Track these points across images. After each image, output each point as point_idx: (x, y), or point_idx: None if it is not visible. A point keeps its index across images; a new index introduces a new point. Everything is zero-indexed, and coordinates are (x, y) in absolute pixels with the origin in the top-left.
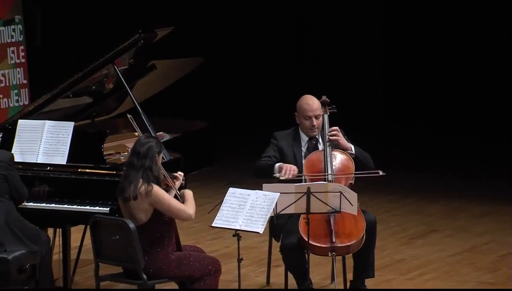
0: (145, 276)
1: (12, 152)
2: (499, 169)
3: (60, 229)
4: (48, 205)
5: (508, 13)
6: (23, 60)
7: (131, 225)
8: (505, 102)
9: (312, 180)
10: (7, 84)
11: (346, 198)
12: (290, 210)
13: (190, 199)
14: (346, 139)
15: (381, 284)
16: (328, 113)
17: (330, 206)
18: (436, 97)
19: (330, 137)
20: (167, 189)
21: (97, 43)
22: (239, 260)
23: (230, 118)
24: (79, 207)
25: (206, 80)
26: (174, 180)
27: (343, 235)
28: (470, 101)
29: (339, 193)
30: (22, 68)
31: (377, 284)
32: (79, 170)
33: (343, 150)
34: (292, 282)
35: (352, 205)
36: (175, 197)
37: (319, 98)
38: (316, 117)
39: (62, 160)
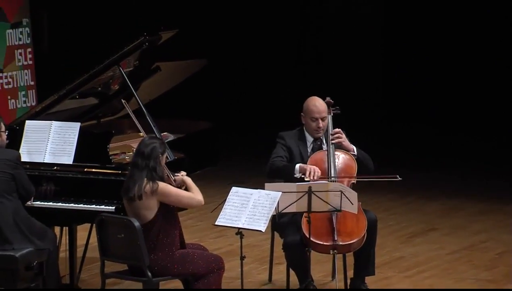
0: (149, 274)
1: (20, 151)
2: (497, 169)
3: (67, 228)
4: (55, 203)
5: (508, 13)
6: (30, 62)
7: (136, 224)
8: (504, 102)
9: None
10: (15, 86)
11: (346, 197)
12: (292, 209)
13: (192, 185)
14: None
15: (380, 281)
16: (331, 114)
17: (331, 205)
18: (436, 97)
19: (333, 141)
20: None
21: (103, 46)
22: (242, 258)
23: (231, 119)
24: (85, 205)
25: (208, 81)
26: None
27: (345, 234)
28: (470, 101)
29: (339, 192)
30: (29, 70)
31: (377, 281)
32: (85, 170)
33: (346, 151)
34: (294, 279)
35: (352, 204)
36: None
37: (323, 99)
38: (322, 119)
39: (68, 159)
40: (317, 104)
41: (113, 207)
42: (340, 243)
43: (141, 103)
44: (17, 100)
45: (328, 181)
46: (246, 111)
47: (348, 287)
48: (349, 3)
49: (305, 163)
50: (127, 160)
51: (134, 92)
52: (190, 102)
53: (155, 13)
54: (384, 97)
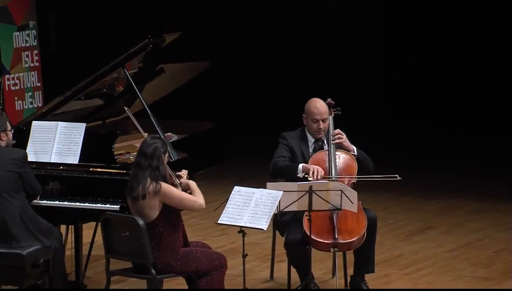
0: (154, 271)
1: (27, 151)
2: (493, 168)
3: (72, 226)
4: (61, 202)
5: (508, 13)
6: (37, 64)
7: (141, 222)
8: (503, 102)
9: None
10: (22, 87)
11: (346, 196)
12: (293, 208)
13: (196, 189)
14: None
15: (380, 278)
16: (333, 115)
17: (331, 204)
18: (436, 97)
19: (334, 142)
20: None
21: (108, 48)
22: (244, 256)
23: (232, 119)
24: (90, 204)
25: (208, 81)
26: (179, 179)
27: (346, 232)
28: (469, 101)
29: (340, 191)
30: (36, 72)
31: (376, 279)
32: (90, 169)
33: (346, 151)
34: (295, 277)
35: (352, 202)
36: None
37: (324, 100)
38: (323, 120)
39: (74, 159)
40: (318, 106)
41: (118, 206)
42: (341, 241)
43: (145, 104)
44: (24, 101)
45: (329, 180)
46: (246, 111)
47: (348, 284)
48: (349, 3)
49: (306, 162)
50: (132, 159)
51: (139, 94)
52: (192, 103)
53: (159, 15)
54: (384, 97)
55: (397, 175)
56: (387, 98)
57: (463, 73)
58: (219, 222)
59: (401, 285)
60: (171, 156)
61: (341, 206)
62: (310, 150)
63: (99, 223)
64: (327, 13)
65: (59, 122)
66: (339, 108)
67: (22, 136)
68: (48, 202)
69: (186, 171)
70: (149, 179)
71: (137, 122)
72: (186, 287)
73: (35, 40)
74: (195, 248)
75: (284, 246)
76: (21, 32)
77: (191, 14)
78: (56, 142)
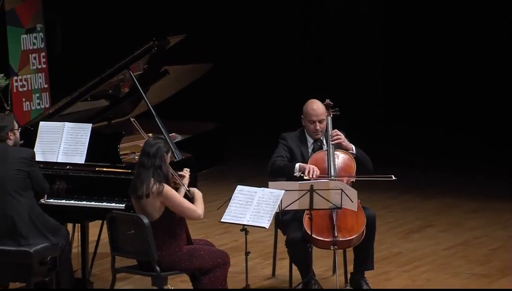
0: (158, 268)
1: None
2: (491, 168)
3: (79, 224)
4: (67, 201)
5: (508, 13)
6: (44, 66)
7: (146, 221)
8: (503, 103)
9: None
10: (29, 89)
11: (346, 195)
12: (294, 206)
13: (199, 199)
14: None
15: (379, 275)
16: (331, 115)
17: (331, 203)
18: (435, 97)
19: (332, 143)
20: (176, 186)
21: (114, 50)
22: (247, 253)
23: (233, 119)
24: (96, 203)
25: (209, 82)
26: (181, 178)
27: (345, 230)
28: (469, 101)
29: (340, 190)
30: (43, 74)
31: (376, 276)
32: (96, 169)
33: (345, 150)
34: (296, 274)
35: (352, 201)
36: (185, 193)
37: (323, 101)
38: (320, 121)
39: (80, 159)
40: (315, 107)
41: (123, 205)
42: (340, 239)
43: (150, 105)
44: (31, 103)
45: (329, 179)
46: (246, 111)
47: (349, 281)
48: (349, 3)
49: (306, 162)
50: (137, 159)
51: (144, 95)
52: (193, 104)
53: (164, 18)
54: (384, 97)
55: (392, 175)
56: (387, 98)
57: (463, 73)
58: (222, 220)
59: (400, 282)
60: (175, 156)
61: (341, 204)
62: (309, 150)
63: (105, 221)
64: (327, 13)
65: (66, 123)
66: (337, 109)
67: (29, 137)
68: (55, 200)
69: (188, 169)
70: (152, 179)
71: (144, 132)
72: (190, 283)
73: (42, 43)
74: (198, 245)
75: (285, 245)
76: (28, 35)
77: (190, 14)
78: (63, 142)
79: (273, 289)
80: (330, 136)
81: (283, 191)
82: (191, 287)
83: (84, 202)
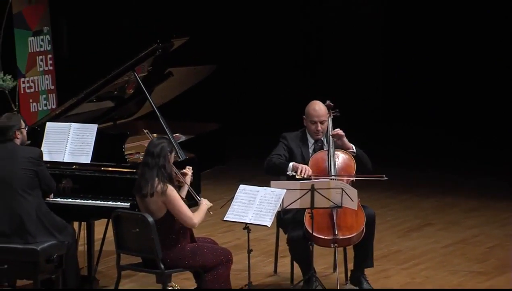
0: (162, 266)
1: None
2: (489, 168)
3: (85, 223)
4: (73, 200)
5: (508, 13)
6: (50, 68)
7: (150, 219)
8: (502, 103)
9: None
10: (36, 90)
11: (347, 194)
12: (296, 205)
13: (202, 210)
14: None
15: (379, 273)
16: (332, 116)
17: (332, 202)
18: (435, 97)
19: (333, 137)
20: (179, 185)
21: (119, 52)
22: (249, 251)
23: (234, 120)
24: (102, 202)
25: (210, 83)
26: (184, 176)
27: (345, 228)
28: (468, 101)
29: (340, 190)
30: (50, 75)
31: (375, 273)
32: (102, 168)
33: (345, 149)
34: (298, 271)
35: (352, 200)
36: (188, 192)
37: (323, 102)
38: (321, 122)
39: (86, 159)
40: (317, 108)
41: (128, 204)
42: (340, 237)
43: (154, 106)
44: (38, 104)
45: (329, 179)
46: (246, 112)
47: (349, 278)
48: (349, 3)
49: (306, 162)
50: (141, 159)
51: (148, 96)
52: (193, 104)
53: (168, 20)
54: (384, 97)
55: (383, 175)
56: (387, 98)
57: (463, 74)
58: (225, 219)
59: (399, 279)
60: (179, 156)
61: (342, 203)
62: (310, 150)
63: (110, 220)
64: (327, 13)
65: (72, 123)
66: (337, 110)
67: (36, 137)
68: (62, 199)
69: (190, 167)
70: (157, 178)
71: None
72: (193, 280)
73: (49, 45)
74: (202, 243)
75: (286, 243)
76: (35, 37)
77: (190, 14)
78: (69, 142)
79: (275, 286)
80: (330, 137)
81: (285, 190)
82: (194, 284)
83: (90, 201)
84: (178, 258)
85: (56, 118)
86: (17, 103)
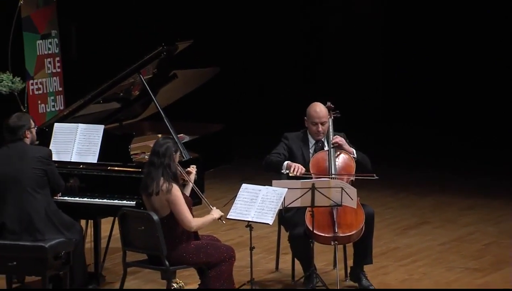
0: (167, 263)
1: None
2: (485, 167)
3: (92, 221)
4: (81, 199)
5: (508, 13)
6: (58, 70)
7: (155, 217)
8: (501, 103)
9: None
10: (45, 91)
11: (347, 193)
12: (297, 204)
13: (207, 218)
14: (348, 144)
15: (377, 269)
16: (332, 117)
17: (332, 200)
18: (435, 97)
19: (334, 144)
20: (184, 183)
21: (125, 55)
22: (251, 248)
23: (236, 120)
24: (108, 201)
25: (210, 83)
26: (188, 174)
27: (345, 226)
28: (468, 101)
29: (340, 189)
30: (57, 77)
31: (374, 270)
32: (108, 168)
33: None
34: (299, 268)
35: (352, 199)
36: (192, 190)
37: (324, 103)
38: (322, 123)
39: (93, 159)
40: (318, 110)
41: (134, 202)
42: (340, 235)
43: (159, 108)
44: (46, 105)
45: (330, 178)
46: (246, 112)
47: (349, 275)
48: (349, 3)
49: (307, 163)
50: (147, 159)
51: (153, 98)
52: (193, 104)
53: (173, 23)
54: (384, 97)
55: (374, 174)
56: (387, 98)
57: (463, 74)
58: (228, 217)
59: (398, 275)
60: (183, 156)
61: (341, 202)
62: (311, 151)
63: (117, 218)
64: (327, 13)
65: (79, 124)
66: (338, 111)
67: (45, 137)
68: (69, 198)
69: (195, 166)
70: (162, 177)
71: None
72: (197, 276)
73: (57, 48)
74: (205, 241)
75: (288, 240)
76: (44, 40)
77: (191, 15)
78: (77, 143)
79: (276, 282)
80: (331, 139)
81: (286, 189)
82: (198, 279)
83: (97, 200)
84: (183, 255)
85: (63, 119)
86: (26, 105)
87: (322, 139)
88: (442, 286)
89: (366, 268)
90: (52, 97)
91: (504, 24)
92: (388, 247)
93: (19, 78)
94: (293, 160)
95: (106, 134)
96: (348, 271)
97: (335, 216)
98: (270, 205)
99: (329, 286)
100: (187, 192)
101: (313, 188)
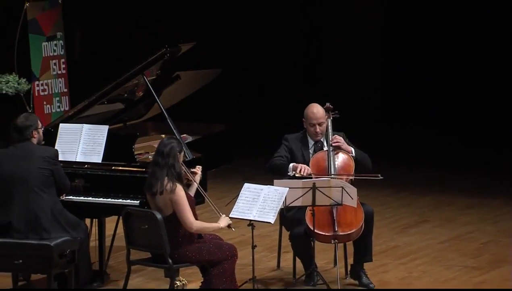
0: (170, 261)
1: None
2: (483, 167)
3: (96, 219)
4: (85, 198)
5: (508, 13)
6: (63, 71)
7: (159, 216)
8: (501, 103)
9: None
10: (50, 92)
11: (347, 192)
12: (298, 203)
13: (212, 225)
14: (348, 143)
15: (377, 267)
16: (331, 118)
17: (333, 199)
18: (435, 97)
19: (333, 144)
20: (189, 183)
21: (130, 56)
22: (253, 247)
23: (234, 120)
24: (112, 200)
25: (211, 84)
26: (193, 175)
27: (345, 225)
28: (467, 101)
29: (341, 188)
30: (63, 78)
31: (374, 268)
32: (112, 168)
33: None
34: (300, 266)
35: (352, 198)
36: (197, 190)
37: (323, 104)
38: (320, 124)
39: (98, 158)
40: (315, 111)
41: (138, 201)
42: (341, 233)
43: (163, 108)
44: (52, 106)
45: (329, 178)
46: (247, 112)
47: (349, 272)
48: (349, 3)
49: (307, 163)
50: (150, 159)
51: (157, 98)
52: (192, 105)
53: (176, 25)
54: (384, 98)
55: (379, 174)
56: (387, 98)
57: (463, 74)
58: (230, 215)
59: (397, 273)
60: (186, 155)
61: (342, 201)
62: (311, 151)
63: (121, 217)
64: (327, 13)
65: (84, 124)
66: (337, 111)
67: (50, 138)
68: (74, 197)
69: (200, 167)
70: (166, 177)
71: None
72: (200, 274)
73: (62, 50)
74: (208, 239)
75: (289, 239)
76: (49, 42)
77: (191, 15)
78: (81, 143)
79: (278, 280)
80: (330, 139)
81: (288, 189)
82: (200, 277)
83: (101, 199)
84: (186, 253)
85: (69, 119)
86: (31, 106)
87: (321, 140)
88: (441, 284)
89: (366, 266)
90: (57, 98)
91: (504, 24)
92: (388, 245)
93: (25, 80)
94: (294, 161)
95: (110, 135)
96: (349, 269)
97: (335, 215)
98: (272, 204)
99: (329, 284)
100: (192, 192)
101: (314, 188)
